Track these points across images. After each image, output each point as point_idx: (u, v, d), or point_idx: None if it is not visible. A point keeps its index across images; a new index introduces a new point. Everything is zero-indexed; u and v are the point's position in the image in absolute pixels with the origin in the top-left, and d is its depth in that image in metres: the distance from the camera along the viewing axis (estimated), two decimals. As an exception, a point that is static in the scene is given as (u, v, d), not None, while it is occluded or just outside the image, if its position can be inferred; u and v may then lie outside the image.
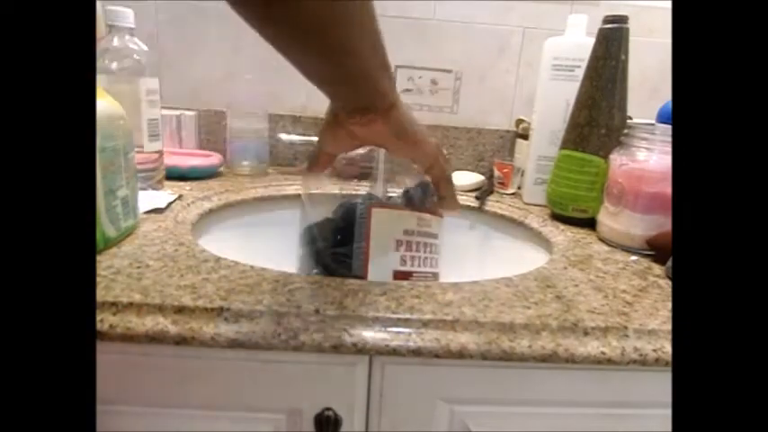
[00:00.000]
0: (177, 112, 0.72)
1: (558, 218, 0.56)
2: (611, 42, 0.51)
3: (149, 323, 0.29)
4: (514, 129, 0.78)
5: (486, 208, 0.64)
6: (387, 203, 0.47)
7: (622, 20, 0.51)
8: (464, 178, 0.72)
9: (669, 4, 0.72)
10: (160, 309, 0.30)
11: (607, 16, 0.51)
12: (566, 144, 0.55)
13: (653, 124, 0.48)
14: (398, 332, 0.30)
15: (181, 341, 0.29)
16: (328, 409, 0.33)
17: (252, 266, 0.36)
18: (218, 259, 0.37)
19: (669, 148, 0.45)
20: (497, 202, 0.65)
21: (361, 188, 0.58)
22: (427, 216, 0.48)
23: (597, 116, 0.52)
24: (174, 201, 0.53)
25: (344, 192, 0.58)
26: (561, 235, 0.52)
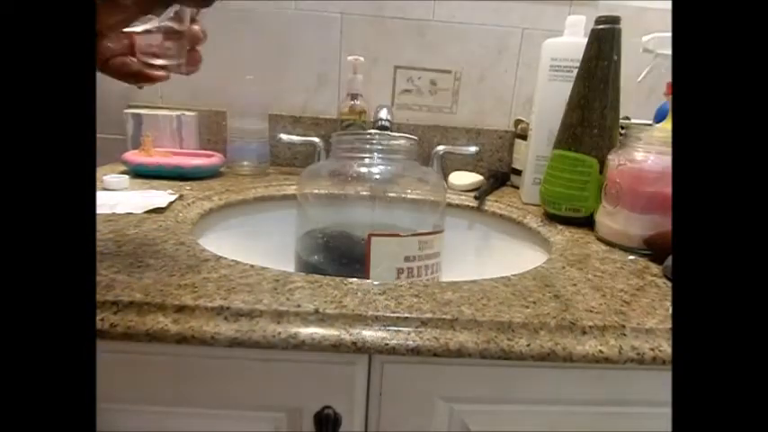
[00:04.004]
0: (177, 113, 0.72)
1: (552, 217, 0.56)
2: (604, 43, 0.51)
3: (150, 322, 0.29)
4: (513, 129, 0.79)
5: (485, 208, 0.64)
6: (386, 232, 0.46)
7: (615, 20, 0.51)
8: (463, 178, 0.72)
9: (668, 5, 0.72)
10: (161, 308, 0.30)
11: (599, 17, 0.52)
12: (558, 144, 0.55)
13: (650, 124, 0.48)
14: (398, 331, 0.30)
15: (181, 340, 0.29)
16: (328, 407, 0.33)
17: (252, 266, 0.36)
18: (218, 258, 0.38)
19: (666, 149, 0.45)
20: (496, 201, 0.65)
21: (361, 189, 0.58)
22: (429, 237, 0.48)
23: (590, 116, 0.52)
24: (175, 200, 0.53)
25: (343, 192, 0.58)
26: (559, 234, 0.52)
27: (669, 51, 0.60)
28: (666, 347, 0.30)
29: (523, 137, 0.71)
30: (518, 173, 0.72)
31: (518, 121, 0.75)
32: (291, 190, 0.65)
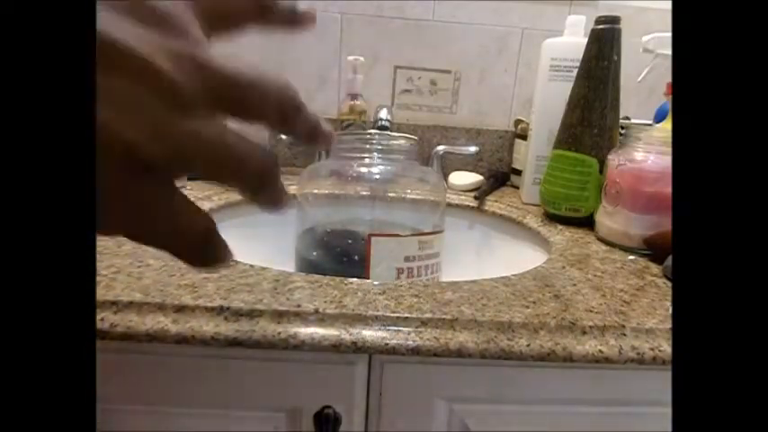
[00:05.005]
0: (177, 113, 0.72)
1: (552, 217, 0.57)
2: (604, 43, 0.51)
3: (150, 322, 0.29)
4: (513, 129, 0.79)
5: (485, 208, 0.64)
6: (386, 232, 0.47)
7: (615, 20, 0.51)
8: (463, 178, 0.72)
9: (668, 5, 0.72)
10: (160, 308, 0.30)
11: (599, 17, 0.52)
12: (558, 144, 0.55)
13: (650, 124, 0.48)
14: (398, 331, 0.30)
15: (181, 340, 0.29)
16: (328, 407, 0.33)
17: (252, 266, 0.36)
18: (218, 259, 0.37)
19: (666, 149, 0.45)
20: (496, 201, 0.65)
21: (361, 189, 0.58)
22: (429, 237, 0.48)
23: (590, 116, 0.52)
24: (174, 201, 0.53)
25: (343, 192, 0.59)
26: (559, 234, 0.52)
27: (669, 51, 0.60)
28: (666, 347, 0.30)
29: (523, 137, 0.71)
30: (518, 173, 0.72)
31: (518, 121, 0.75)
32: (291, 190, 0.65)
